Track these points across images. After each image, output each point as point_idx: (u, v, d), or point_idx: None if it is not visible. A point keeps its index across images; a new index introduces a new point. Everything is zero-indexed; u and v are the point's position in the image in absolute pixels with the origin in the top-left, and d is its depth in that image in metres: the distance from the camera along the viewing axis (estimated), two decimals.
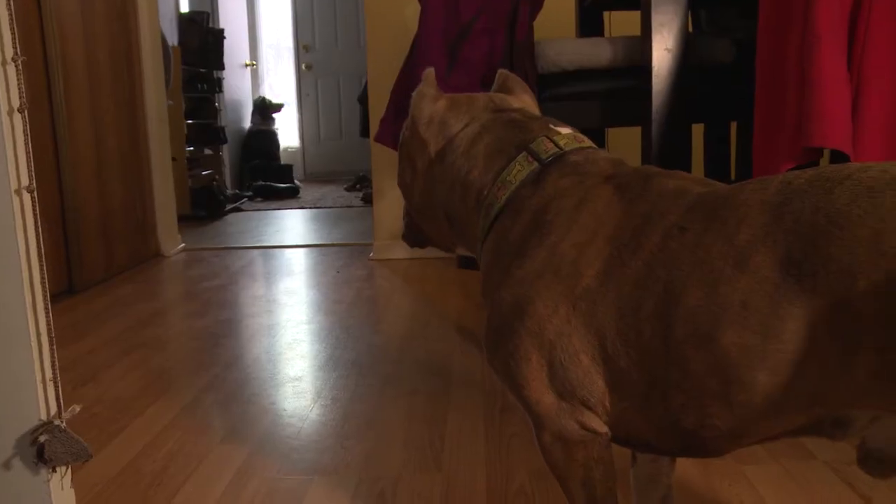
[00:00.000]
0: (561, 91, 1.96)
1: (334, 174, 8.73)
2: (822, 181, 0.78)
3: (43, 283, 1.16)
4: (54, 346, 1.15)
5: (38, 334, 1.15)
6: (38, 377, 1.13)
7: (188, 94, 6.08)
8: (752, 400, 0.80)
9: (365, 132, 5.42)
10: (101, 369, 2.26)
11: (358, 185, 7.42)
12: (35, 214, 1.15)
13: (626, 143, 2.92)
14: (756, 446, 1.58)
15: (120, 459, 1.64)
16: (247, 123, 8.15)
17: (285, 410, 1.89)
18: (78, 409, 1.18)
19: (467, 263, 3.54)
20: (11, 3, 1.09)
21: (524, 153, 1.06)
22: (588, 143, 1.09)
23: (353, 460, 1.60)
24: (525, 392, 0.97)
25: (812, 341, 0.75)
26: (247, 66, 8.37)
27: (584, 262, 0.92)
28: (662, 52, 1.75)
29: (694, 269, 0.83)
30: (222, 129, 6.91)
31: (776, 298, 0.76)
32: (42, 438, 1.13)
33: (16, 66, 1.09)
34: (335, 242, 4.50)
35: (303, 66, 8.88)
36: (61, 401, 1.17)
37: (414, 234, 1.31)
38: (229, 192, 6.82)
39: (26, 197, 1.13)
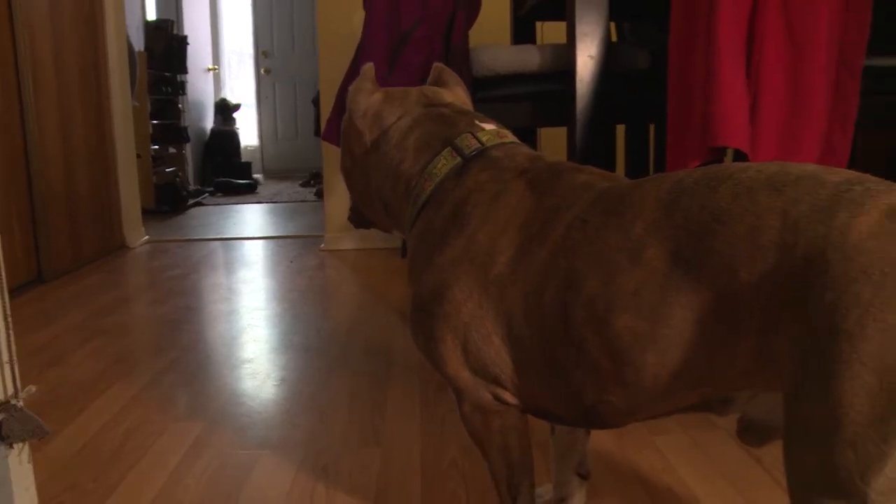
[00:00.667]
0: (494, 93, 1.97)
1: (291, 171, 8.66)
2: (708, 180, 0.79)
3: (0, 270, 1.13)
4: (10, 330, 1.13)
5: None
6: None
7: (153, 97, 5.99)
8: (644, 380, 0.82)
9: (318, 132, 5.38)
10: (66, 354, 2.22)
11: (312, 181, 7.37)
12: None
13: (557, 141, 2.94)
14: (666, 419, 1.61)
15: (80, 437, 1.62)
16: (209, 124, 8.05)
17: (238, 390, 1.87)
18: (34, 389, 1.15)
19: None
20: None
21: (449, 148, 1.06)
22: (510, 138, 1.09)
23: (299, 436, 1.60)
24: (444, 369, 0.98)
25: (698, 327, 0.76)
26: (209, 70, 8.25)
27: (497, 251, 0.93)
28: (586, 58, 1.76)
29: (593, 258, 0.84)
30: (185, 129, 6.81)
31: (666, 288, 0.78)
32: None
33: None
34: (289, 235, 4.47)
35: (262, 71, 8.79)
36: (18, 382, 1.14)
37: (358, 216, 1.31)
38: (192, 187, 6.73)
39: None
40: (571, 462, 1.19)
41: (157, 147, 5.99)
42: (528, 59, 1.90)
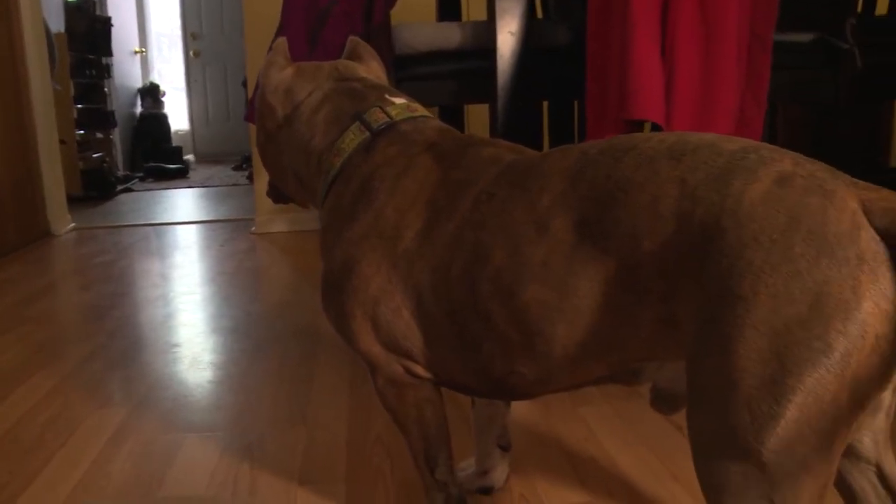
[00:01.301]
0: (416, 71, 1.96)
1: (223, 155, 8.54)
2: (613, 151, 0.81)
3: None
4: None
5: None
6: None
7: (77, 80, 5.83)
8: (553, 350, 0.83)
9: None
10: None
11: (244, 165, 7.28)
12: None
13: (484, 118, 2.94)
14: (591, 390, 1.64)
15: None
16: (138, 108, 7.88)
17: (165, 375, 1.85)
18: None
19: None
20: None
21: (357, 122, 1.06)
22: (421, 111, 1.09)
23: (224, 418, 1.59)
24: (356, 344, 0.98)
25: (604, 296, 0.77)
26: (136, 53, 8.07)
27: (405, 225, 0.93)
28: (506, 35, 1.77)
29: (500, 231, 0.85)
30: (112, 113, 6.66)
31: (572, 258, 0.79)
32: None
33: None
34: (220, 218, 4.41)
35: (191, 53, 8.63)
36: None
37: (275, 192, 1.30)
38: (121, 173, 6.60)
39: None
40: (492, 434, 1.20)
41: (82, 132, 5.84)
42: (449, 36, 1.90)
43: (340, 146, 1.06)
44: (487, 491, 1.22)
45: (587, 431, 1.46)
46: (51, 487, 1.33)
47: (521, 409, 1.56)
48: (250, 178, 6.09)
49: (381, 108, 1.07)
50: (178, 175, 7.04)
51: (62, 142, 4.33)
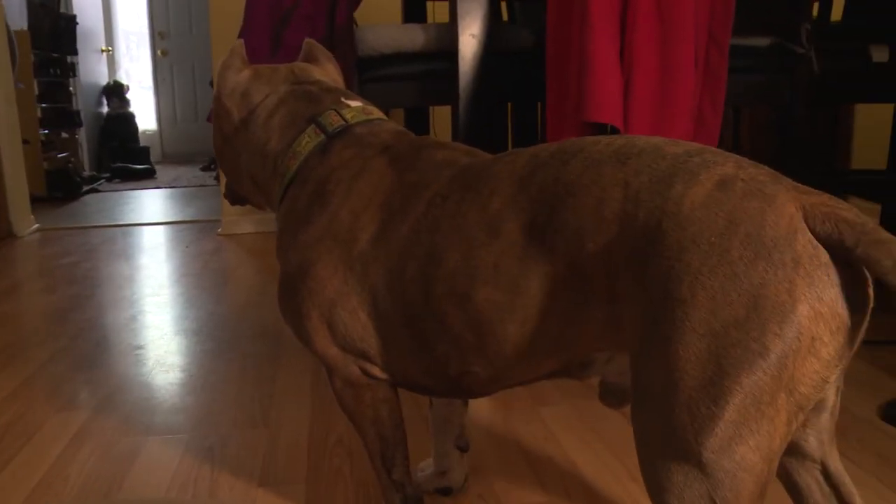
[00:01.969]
0: (380, 73, 1.97)
1: (191, 155, 8.48)
2: (561, 154, 0.82)
3: None
4: None
5: None
6: None
7: (41, 79, 5.76)
8: (505, 349, 0.84)
9: None
10: None
11: (212, 165, 7.23)
12: None
13: (450, 120, 2.96)
14: (552, 390, 1.65)
15: None
16: (104, 108, 7.80)
17: (127, 377, 1.84)
18: None
19: None
20: None
21: (313, 125, 1.07)
22: (377, 114, 1.10)
23: (186, 420, 1.58)
24: (312, 346, 0.99)
25: (554, 296, 0.79)
26: (103, 51, 7.99)
27: (359, 228, 0.94)
28: (468, 37, 1.78)
29: (452, 234, 0.86)
30: (78, 112, 6.58)
31: (523, 259, 0.80)
32: None
33: None
34: (187, 220, 4.38)
35: (158, 53, 8.56)
36: None
37: (233, 193, 1.30)
38: (86, 173, 6.52)
39: None
40: (450, 435, 1.21)
41: (47, 132, 5.77)
42: (412, 38, 1.91)
43: (296, 149, 1.06)
44: (446, 491, 1.23)
45: (546, 431, 1.47)
46: (9, 490, 1.32)
47: (481, 410, 1.57)
48: (218, 178, 6.07)
49: (336, 111, 1.08)
50: (145, 175, 6.97)
51: (25, 141, 4.28)
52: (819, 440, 0.83)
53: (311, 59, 1.26)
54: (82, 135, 6.93)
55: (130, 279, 2.92)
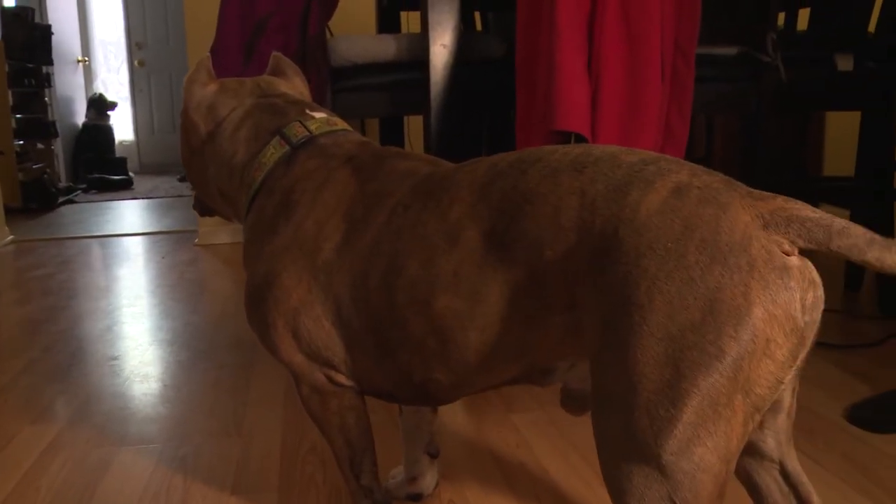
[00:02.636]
0: (353, 83, 1.98)
1: (168, 166, 8.45)
2: (520, 163, 0.83)
3: None
4: None
5: None
6: None
7: (15, 89, 5.73)
8: (467, 356, 0.85)
9: None
10: None
11: None
12: None
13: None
14: (524, 396, 1.67)
15: None
16: (80, 118, 7.76)
17: (100, 388, 1.84)
18: None
19: None
20: None
21: (277, 137, 1.08)
22: (341, 125, 1.12)
23: (159, 430, 1.58)
24: (278, 354, 1.00)
25: (513, 303, 0.80)
26: (79, 62, 7.96)
27: (323, 238, 0.96)
28: (439, 47, 1.80)
29: (414, 243, 0.87)
30: (53, 123, 6.54)
31: (482, 267, 0.81)
32: None
33: None
34: (163, 230, 4.37)
35: (136, 63, 8.53)
36: None
37: (202, 204, 1.31)
38: (62, 184, 6.48)
39: None
40: (420, 441, 1.22)
41: (22, 142, 5.74)
42: (384, 48, 1.93)
43: (261, 160, 1.08)
44: (416, 498, 1.24)
45: (518, 437, 1.49)
46: None
47: (453, 416, 1.58)
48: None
49: (300, 122, 1.09)
50: (122, 186, 6.95)
51: (0, 152, 4.26)
52: (777, 440, 0.84)
53: (278, 72, 1.27)
54: (58, 145, 6.89)
55: (106, 290, 2.91)
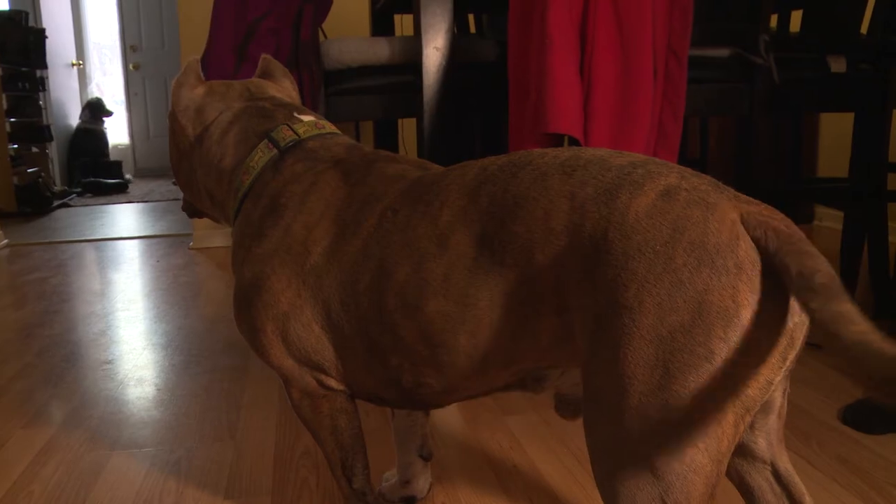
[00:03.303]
0: (345, 86, 1.98)
1: (163, 169, 8.44)
2: (510, 166, 0.83)
3: None
4: None
5: None
6: None
7: (9, 93, 5.73)
8: (457, 361, 0.85)
9: None
10: None
11: None
12: None
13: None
14: (518, 399, 1.67)
15: None
16: (75, 122, 7.75)
17: (94, 392, 1.83)
18: None
19: None
20: None
21: (266, 140, 1.08)
22: (329, 128, 1.12)
23: (152, 434, 1.58)
24: (268, 358, 1.00)
25: (504, 308, 0.80)
26: (73, 65, 7.95)
27: (312, 241, 0.95)
28: (432, 50, 1.80)
29: (403, 247, 0.87)
30: (48, 127, 6.54)
31: (473, 271, 0.81)
32: None
33: None
34: (158, 234, 4.37)
35: (130, 66, 8.52)
36: None
37: (190, 206, 1.31)
38: (57, 188, 6.48)
39: None
40: (413, 444, 1.22)
41: (16, 146, 5.73)
42: (377, 51, 1.93)
43: (249, 164, 1.07)
44: (410, 501, 1.24)
45: (512, 440, 1.49)
46: None
47: (447, 419, 1.58)
48: None
49: (288, 125, 1.09)
50: (117, 190, 6.94)
51: None
52: (768, 442, 0.84)
53: (267, 74, 1.27)
54: (53, 149, 6.89)
55: (100, 294, 2.91)
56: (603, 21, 1.48)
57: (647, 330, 0.67)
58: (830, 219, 3.78)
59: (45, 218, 5.37)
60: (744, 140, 1.94)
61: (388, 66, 1.97)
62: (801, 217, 3.92)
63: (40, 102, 6.49)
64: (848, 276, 2.42)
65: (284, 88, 1.24)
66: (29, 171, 5.82)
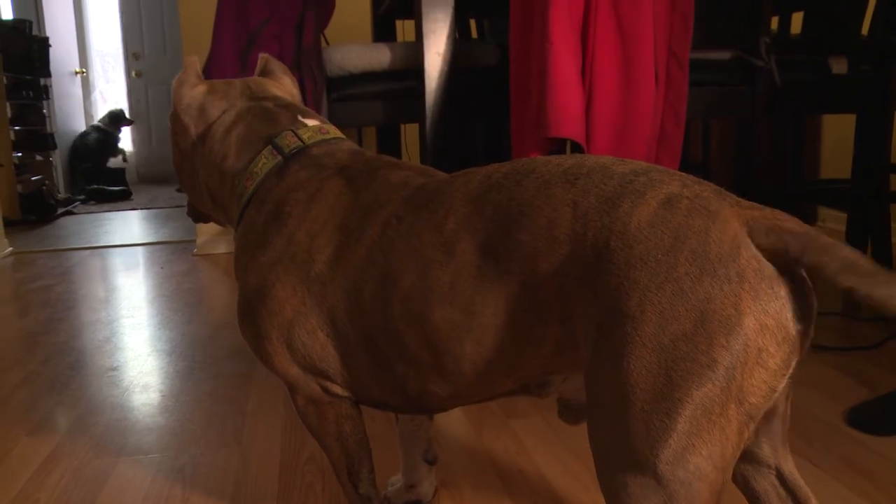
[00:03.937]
0: (348, 92, 1.99)
1: (166, 176, 8.45)
2: (514, 174, 0.83)
3: None
4: None
5: None
6: None
7: (13, 101, 5.74)
8: (463, 369, 0.85)
9: None
10: None
11: None
12: None
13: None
14: (523, 403, 1.67)
15: None
16: (79, 129, 7.75)
17: (99, 399, 1.84)
18: None
19: None
20: None
21: (269, 147, 1.07)
22: (333, 133, 1.11)
23: (158, 440, 1.58)
24: (273, 365, 1.00)
25: (509, 316, 0.80)
26: (77, 73, 7.97)
27: (317, 249, 0.95)
28: (433, 55, 1.80)
29: (408, 255, 0.87)
30: (52, 135, 6.56)
31: (478, 279, 0.81)
32: None
33: None
34: (161, 240, 4.37)
35: (133, 74, 8.54)
36: None
37: (195, 210, 1.30)
38: (61, 196, 6.49)
39: None
40: (418, 449, 1.22)
41: (20, 154, 5.75)
42: (378, 57, 1.93)
43: (253, 170, 1.07)
44: None
45: (517, 444, 1.49)
46: None
47: (452, 422, 1.58)
48: None
49: (293, 131, 1.09)
50: (120, 197, 6.95)
51: None
52: (772, 446, 0.84)
53: (266, 72, 1.26)
54: (56, 157, 6.90)
55: (104, 301, 2.91)
56: (604, 25, 1.48)
57: (649, 338, 0.67)
58: (833, 220, 3.78)
59: (49, 226, 5.38)
60: (744, 142, 1.94)
61: (391, 72, 1.97)
62: (804, 219, 3.91)
63: (44, 111, 6.50)
64: None
65: (284, 86, 1.23)
66: (33, 178, 5.84)
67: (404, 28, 2.88)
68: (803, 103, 1.98)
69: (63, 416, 1.74)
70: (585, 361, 0.74)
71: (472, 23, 3.01)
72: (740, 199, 0.73)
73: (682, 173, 0.76)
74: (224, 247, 3.82)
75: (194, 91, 1.16)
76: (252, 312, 0.99)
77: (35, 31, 6.47)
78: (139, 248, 4.20)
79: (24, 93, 5.97)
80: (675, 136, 1.62)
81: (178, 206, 6.06)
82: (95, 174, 7.28)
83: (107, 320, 2.60)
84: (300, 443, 1.53)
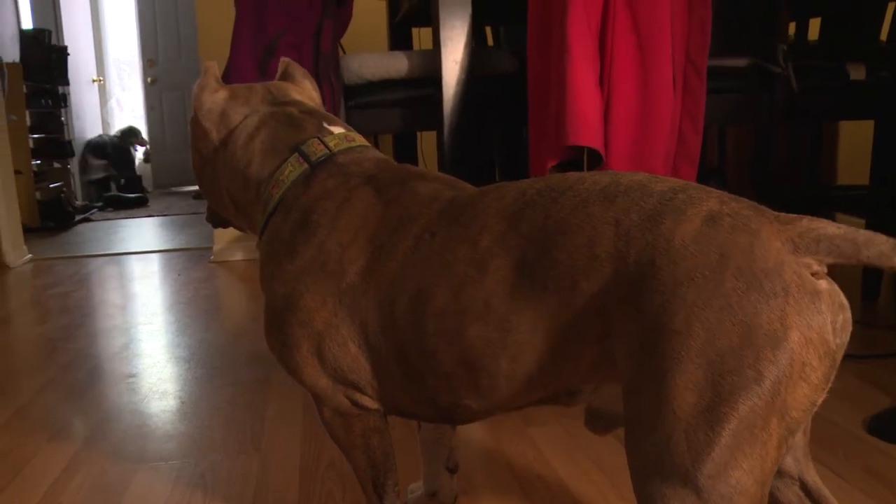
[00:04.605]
0: (365, 100, 1.99)
1: (183, 183, 8.50)
2: (549, 192, 0.83)
3: None
4: None
5: None
6: None
7: (33, 109, 5.79)
8: (497, 384, 0.85)
9: None
10: None
11: None
12: None
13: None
14: (542, 410, 1.66)
15: None
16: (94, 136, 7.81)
17: (118, 406, 1.84)
18: None
19: None
20: None
21: (296, 154, 1.07)
22: (359, 141, 1.10)
23: (178, 447, 1.58)
24: (301, 376, 0.99)
25: (546, 333, 0.80)
26: (94, 81, 8.03)
27: (348, 260, 0.94)
28: (451, 63, 1.80)
29: (442, 271, 0.86)
30: (69, 142, 6.60)
31: (514, 297, 0.81)
32: None
33: None
34: (178, 248, 4.39)
35: (149, 80, 8.59)
36: None
37: (214, 215, 1.29)
38: (79, 203, 6.54)
39: None
40: (439, 456, 1.22)
41: (39, 162, 5.79)
42: (396, 65, 1.93)
43: (279, 178, 1.06)
44: None
45: (536, 452, 1.48)
46: None
47: (471, 431, 1.58)
48: None
49: (319, 139, 1.08)
50: (137, 204, 6.99)
51: (18, 172, 4.30)
52: (794, 457, 0.84)
53: (287, 77, 1.25)
54: (74, 164, 6.95)
55: (122, 308, 2.93)
56: (622, 33, 1.48)
57: (696, 353, 0.67)
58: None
59: (67, 233, 5.41)
60: (761, 148, 1.93)
61: (408, 80, 1.98)
62: None
63: (62, 118, 6.56)
64: (870, 282, 2.40)
65: (305, 90, 1.22)
66: (51, 186, 5.88)
67: (420, 36, 2.88)
68: (821, 110, 1.97)
69: (82, 422, 1.75)
70: (625, 377, 0.74)
71: (489, 30, 3.01)
72: (777, 214, 0.73)
73: (719, 191, 0.76)
74: (241, 254, 3.83)
75: (215, 96, 1.15)
76: (281, 323, 0.98)
77: (54, 41, 6.53)
78: (156, 254, 4.22)
79: (42, 101, 6.03)
80: (694, 143, 1.61)
81: (194, 214, 6.09)
82: (114, 181, 7.33)
83: (125, 327, 2.61)
84: (320, 449, 1.53)
